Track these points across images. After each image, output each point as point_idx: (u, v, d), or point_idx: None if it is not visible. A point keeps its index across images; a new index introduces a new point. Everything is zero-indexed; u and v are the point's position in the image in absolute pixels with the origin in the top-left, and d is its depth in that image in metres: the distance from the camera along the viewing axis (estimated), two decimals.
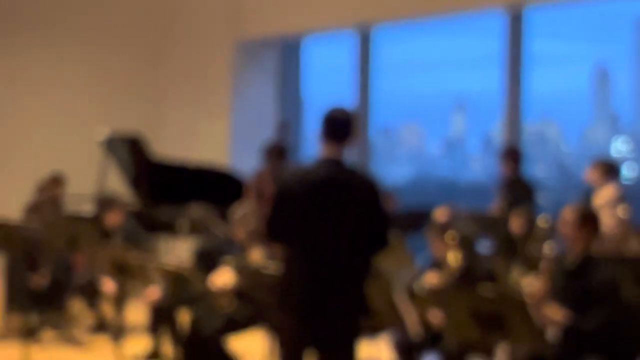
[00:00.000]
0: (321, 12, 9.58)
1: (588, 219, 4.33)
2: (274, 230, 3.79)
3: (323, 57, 11.88)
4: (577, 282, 4.24)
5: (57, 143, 9.95)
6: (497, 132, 11.20)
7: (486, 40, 8.93)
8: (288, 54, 10.86)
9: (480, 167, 22.84)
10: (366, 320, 3.86)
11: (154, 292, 5.52)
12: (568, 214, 4.33)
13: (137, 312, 6.82)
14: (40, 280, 6.69)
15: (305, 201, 3.66)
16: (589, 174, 6.66)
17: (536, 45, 9.00)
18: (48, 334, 6.74)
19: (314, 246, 3.65)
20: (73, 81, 10.42)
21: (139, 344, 6.19)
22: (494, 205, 7.37)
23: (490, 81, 9.05)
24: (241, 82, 10.38)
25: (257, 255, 5.59)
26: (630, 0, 8.67)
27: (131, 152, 7.89)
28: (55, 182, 7.53)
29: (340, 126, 3.72)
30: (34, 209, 7.55)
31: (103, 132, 7.86)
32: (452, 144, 28.34)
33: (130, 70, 10.66)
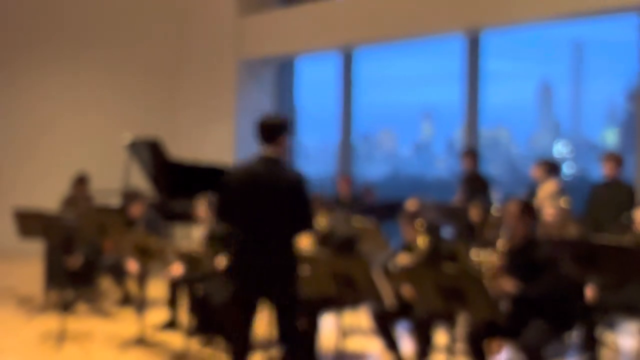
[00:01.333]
0: (311, 36, 9.56)
1: (527, 210, 4.34)
2: (222, 213, 4.08)
3: (313, 73, 11.89)
4: (522, 260, 4.26)
5: (90, 147, 9.96)
6: (458, 137, 11.22)
7: (449, 59, 8.97)
8: (283, 71, 10.84)
9: (444, 166, 22.89)
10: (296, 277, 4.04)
11: (178, 269, 5.49)
12: (511, 206, 4.37)
13: (157, 288, 6.82)
14: (74, 261, 6.70)
15: (244, 190, 3.90)
16: (534, 171, 6.69)
17: (490, 64, 9.06)
18: (81, 307, 6.75)
19: (252, 224, 3.90)
20: (104, 97, 10.55)
21: (159, 315, 6.20)
22: (456, 197, 7.39)
23: (452, 94, 9.10)
24: (243, 94, 10.36)
25: None
26: (568, 26, 8.73)
27: (151, 153, 7.86)
28: (81, 181, 7.53)
29: (268, 130, 3.93)
30: (68, 202, 7.54)
31: (127, 137, 7.84)
32: (421, 146, 28.47)
33: (150, 85, 10.65)
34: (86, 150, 9.86)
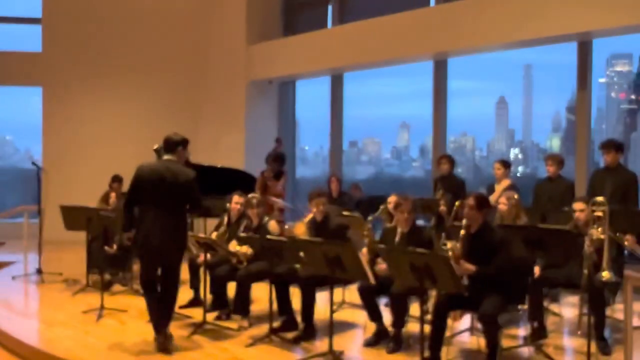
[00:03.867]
0: (307, 61, 9.56)
1: (482, 202, 4.35)
2: (130, 201, 4.66)
3: (311, 91, 11.86)
4: (480, 244, 4.26)
5: (126, 154, 9.93)
6: (429, 143, 11.22)
7: (422, 80, 8.98)
8: (285, 90, 10.83)
9: (418, 168, 22.84)
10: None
11: (202, 256, 5.46)
12: (469, 199, 4.37)
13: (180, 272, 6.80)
14: (111, 249, 6.67)
15: (148, 183, 4.53)
16: (496, 170, 6.67)
17: (458, 83, 9.10)
18: (117, 287, 6.75)
19: (154, 207, 4.50)
20: (139, 114, 10.67)
21: (183, 294, 6.18)
22: (435, 194, 7.22)
23: (424, 108, 9.11)
24: (252, 110, 10.36)
25: (273, 226, 5.58)
26: (520, 52, 8.81)
27: None
28: (116, 180, 7.48)
29: (169, 144, 4.66)
30: (105, 198, 7.51)
31: (157, 143, 7.82)
32: (399, 151, 28.44)
33: (176, 103, 10.71)
34: (122, 156, 9.83)
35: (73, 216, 6.64)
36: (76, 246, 7.65)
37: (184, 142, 4.74)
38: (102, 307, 5.66)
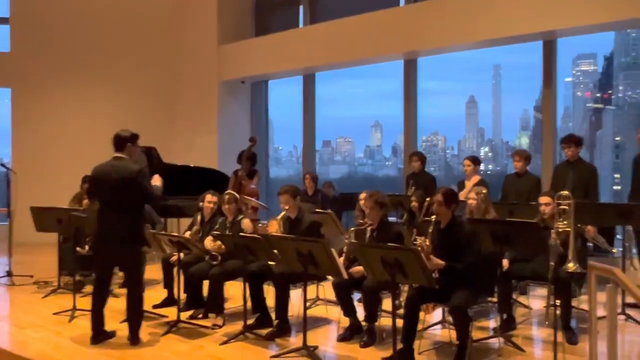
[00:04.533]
0: (279, 61, 9.56)
1: (450, 197, 4.39)
2: (89, 193, 5.09)
3: (284, 91, 11.87)
4: (449, 238, 4.32)
5: (98, 153, 9.79)
6: (402, 143, 11.32)
7: (394, 80, 9.05)
8: (258, 90, 10.80)
9: (391, 166, 23.00)
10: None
11: (175, 256, 5.43)
12: (437, 195, 4.42)
13: (154, 271, 6.75)
14: (83, 250, 6.56)
15: (99, 183, 4.65)
16: (465, 167, 6.75)
17: (429, 84, 9.21)
18: (89, 289, 6.59)
19: (107, 200, 4.61)
20: (111, 113, 10.45)
21: (157, 294, 6.13)
22: (407, 191, 7.27)
23: (397, 108, 9.18)
24: (224, 109, 10.32)
25: (247, 224, 5.58)
26: (488, 53, 8.96)
27: (147, 158, 7.77)
28: (88, 181, 7.35)
29: (118, 141, 4.67)
30: (77, 199, 7.39)
31: None
32: (372, 150, 28.58)
33: (149, 102, 10.60)
34: (93, 157, 9.64)
35: (43, 217, 6.53)
36: (47, 248, 7.52)
37: (133, 138, 4.72)
38: (74, 308, 5.58)
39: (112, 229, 4.56)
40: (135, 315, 4.70)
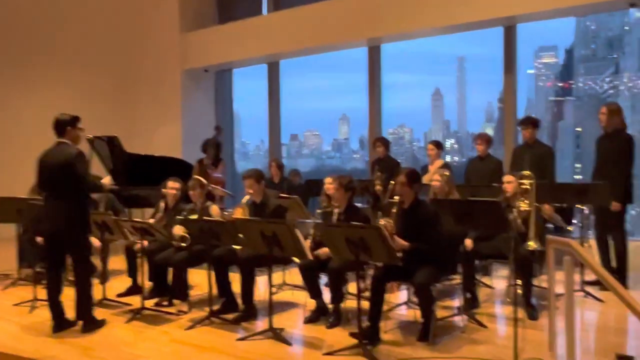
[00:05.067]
0: (243, 48, 9.49)
1: (412, 177, 4.43)
2: (37, 181, 4.69)
3: (250, 82, 11.78)
4: (412, 218, 4.37)
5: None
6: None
7: (361, 73, 9.04)
8: (222, 79, 10.71)
9: (359, 160, 23.14)
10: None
11: (138, 245, 5.35)
12: (400, 176, 4.45)
13: (117, 262, 6.66)
14: (43, 241, 6.42)
15: (42, 165, 4.56)
16: (429, 151, 6.85)
17: (395, 77, 9.25)
18: None
19: (48, 189, 4.56)
20: (73, 103, 9.92)
21: (121, 283, 6.05)
22: (372, 176, 7.27)
23: (363, 101, 9.19)
24: (188, 98, 10.20)
25: (215, 210, 5.55)
26: (452, 45, 9.09)
27: (109, 148, 7.64)
28: None
29: (57, 125, 4.59)
30: (35, 189, 7.20)
31: (89, 135, 7.57)
32: (340, 143, 28.65)
33: (110, 92, 10.36)
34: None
35: (2, 208, 6.35)
36: (6, 239, 7.33)
37: (73, 121, 4.62)
38: (34, 299, 5.46)
39: (54, 216, 4.48)
40: (83, 300, 4.62)
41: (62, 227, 4.48)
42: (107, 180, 4.82)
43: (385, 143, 7.30)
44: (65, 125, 4.58)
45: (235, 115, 11.15)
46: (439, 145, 6.80)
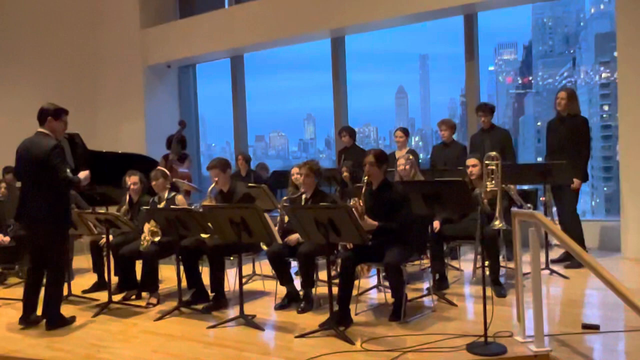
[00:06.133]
0: (205, 42, 9.39)
1: (380, 158, 4.46)
2: (15, 170, 4.70)
3: (214, 79, 11.65)
4: (381, 199, 4.40)
5: (15, 141, 9.33)
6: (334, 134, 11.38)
7: (326, 73, 9.01)
8: (185, 73, 10.56)
9: (325, 159, 23.27)
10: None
11: (103, 240, 5.25)
12: (368, 157, 4.48)
13: (80, 260, 6.53)
14: (5, 240, 6.26)
15: (19, 155, 4.50)
16: (397, 138, 6.91)
17: (359, 76, 9.25)
18: (12, 279, 6.37)
19: (25, 179, 4.49)
20: (31, 101, 9.67)
21: (86, 280, 5.93)
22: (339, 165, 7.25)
23: (329, 101, 9.15)
24: (151, 95, 10.05)
25: (181, 200, 5.49)
26: (416, 43, 9.16)
27: (71, 146, 7.47)
28: (6, 170, 7.03)
29: (39, 114, 4.50)
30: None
31: None
32: (306, 144, 28.78)
33: (71, 89, 10.04)
34: (12, 144, 9.22)
35: None
36: None
37: (56, 113, 4.49)
38: None
39: (31, 208, 4.38)
40: (52, 294, 4.47)
41: (41, 219, 4.36)
42: (83, 174, 4.56)
43: (351, 132, 7.34)
44: (46, 115, 4.46)
45: (201, 118, 11.03)
46: (406, 132, 6.90)
